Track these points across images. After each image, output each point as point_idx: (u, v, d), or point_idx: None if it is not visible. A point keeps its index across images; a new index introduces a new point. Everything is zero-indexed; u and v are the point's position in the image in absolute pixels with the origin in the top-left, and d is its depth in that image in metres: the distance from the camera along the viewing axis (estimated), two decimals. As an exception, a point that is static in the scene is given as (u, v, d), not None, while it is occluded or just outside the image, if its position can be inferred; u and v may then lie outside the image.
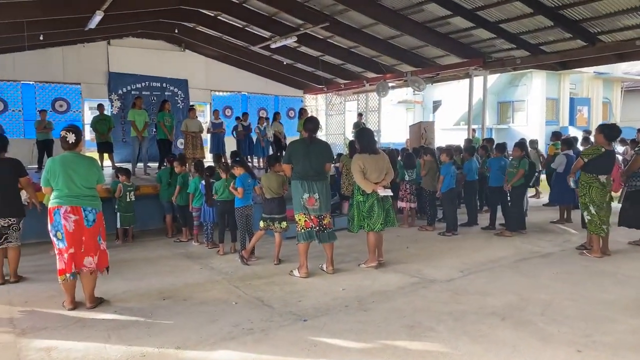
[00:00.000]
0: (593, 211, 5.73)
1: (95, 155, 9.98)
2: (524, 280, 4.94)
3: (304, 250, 5.11)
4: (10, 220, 4.87)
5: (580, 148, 9.18)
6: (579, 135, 12.21)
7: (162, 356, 3.29)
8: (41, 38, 10.65)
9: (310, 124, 5.26)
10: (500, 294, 4.49)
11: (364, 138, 5.49)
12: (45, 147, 10.19)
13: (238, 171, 6.02)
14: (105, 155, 10.58)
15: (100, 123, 10.36)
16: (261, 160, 12.13)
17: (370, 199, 5.29)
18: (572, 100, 21.14)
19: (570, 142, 8.32)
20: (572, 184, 6.27)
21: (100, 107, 10.93)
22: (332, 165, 8.40)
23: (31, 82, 12.51)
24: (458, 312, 4.02)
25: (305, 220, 5.09)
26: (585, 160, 5.75)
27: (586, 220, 5.95)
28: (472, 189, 7.96)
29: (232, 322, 3.85)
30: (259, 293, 4.60)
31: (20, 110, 12.44)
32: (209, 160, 11.10)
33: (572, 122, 20.93)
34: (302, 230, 5.11)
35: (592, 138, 9.86)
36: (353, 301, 4.34)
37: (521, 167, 6.95)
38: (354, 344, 3.46)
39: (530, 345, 3.38)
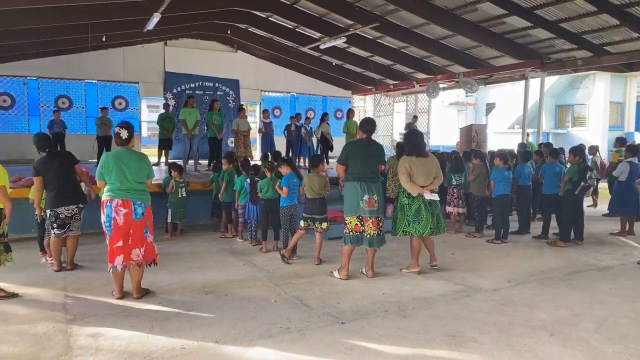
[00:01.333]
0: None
1: (149, 151, 10.42)
2: (577, 294, 4.66)
3: (348, 252, 5.05)
4: (73, 210, 5.16)
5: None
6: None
7: (200, 349, 3.36)
8: (104, 39, 11.29)
9: (368, 125, 5.19)
10: (550, 307, 4.25)
11: (412, 140, 5.36)
12: (104, 143, 10.76)
13: (284, 170, 6.07)
14: (163, 152, 11.06)
15: (167, 121, 10.89)
16: (307, 160, 12.20)
17: (417, 202, 5.16)
18: (639, 104, 19.82)
19: (635, 149, 7.76)
20: None
21: (166, 106, 11.55)
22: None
23: (94, 81, 13.27)
24: (503, 324, 3.84)
25: (356, 225, 4.98)
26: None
27: (650, 233, 5.54)
28: (525, 195, 7.59)
29: (271, 320, 3.88)
30: (299, 292, 4.61)
31: (83, 107, 13.22)
32: (257, 159, 11.30)
33: (638, 127, 19.64)
34: (351, 233, 5.01)
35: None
36: (393, 306, 4.25)
37: (567, 173, 6.64)
38: (392, 350, 3.38)
39: (581, 364, 3.18)
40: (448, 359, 3.26)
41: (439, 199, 5.29)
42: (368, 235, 4.99)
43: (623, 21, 8.21)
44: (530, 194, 7.62)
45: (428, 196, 5.12)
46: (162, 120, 10.86)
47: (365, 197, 4.93)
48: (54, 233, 5.12)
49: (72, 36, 10.87)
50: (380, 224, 5.05)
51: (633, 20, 8.18)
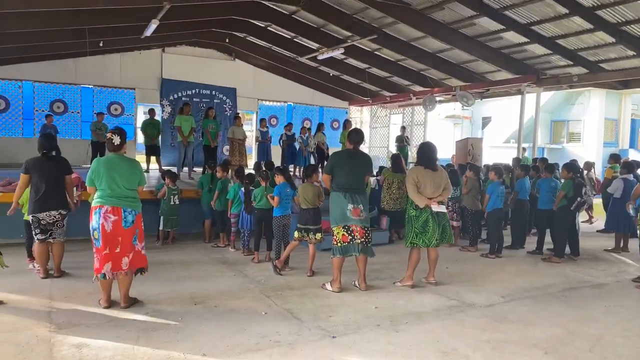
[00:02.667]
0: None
1: (141, 158, 10.35)
2: (571, 311, 4.61)
3: (338, 264, 4.99)
4: (55, 217, 5.04)
5: (641, 173, 8.58)
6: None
7: (187, 362, 3.27)
8: (101, 44, 11.25)
9: (356, 135, 5.19)
10: (545, 324, 4.20)
11: (423, 152, 5.34)
12: (99, 148, 10.68)
13: (278, 179, 6.03)
14: (152, 158, 10.94)
15: (150, 127, 10.73)
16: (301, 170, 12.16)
17: (424, 214, 5.11)
18: (633, 121, 20.03)
19: (630, 166, 7.77)
20: (631, 211, 5.85)
21: (151, 111, 11.25)
22: (374, 178, 8.28)
23: (90, 86, 13.19)
24: (497, 341, 3.78)
25: (343, 235, 4.94)
26: (646, 186, 5.35)
27: (644, 251, 5.52)
28: (523, 210, 7.52)
29: (260, 333, 3.80)
30: (290, 305, 4.53)
31: (78, 112, 13.13)
32: (251, 168, 11.25)
33: (633, 144, 19.81)
34: (339, 244, 4.97)
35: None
36: (385, 320, 4.18)
37: (562, 188, 6.63)
38: (383, 366, 3.31)
39: (575, 385, 3.12)
40: (440, 376, 3.19)
41: (446, 210, 5.27)
42: (357, 243, 4.95)
43: (619, 39, 8.28)
44: (527, 208, 7.55)
45: (436, 208, 5.09)
46: (146, 126, 10.70)
47: (350, 206, 4.91)
48: (37, 238, 5.02)
49: (69, 40, 10.82)
50: (367, 234, 5.01)
51: (628, 39, 8.25)
